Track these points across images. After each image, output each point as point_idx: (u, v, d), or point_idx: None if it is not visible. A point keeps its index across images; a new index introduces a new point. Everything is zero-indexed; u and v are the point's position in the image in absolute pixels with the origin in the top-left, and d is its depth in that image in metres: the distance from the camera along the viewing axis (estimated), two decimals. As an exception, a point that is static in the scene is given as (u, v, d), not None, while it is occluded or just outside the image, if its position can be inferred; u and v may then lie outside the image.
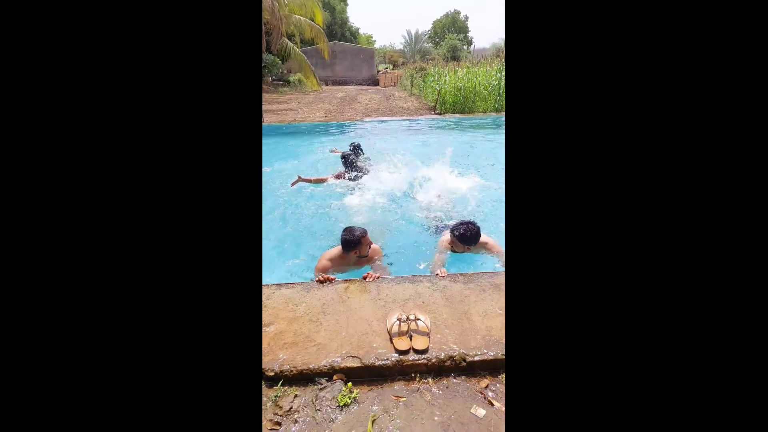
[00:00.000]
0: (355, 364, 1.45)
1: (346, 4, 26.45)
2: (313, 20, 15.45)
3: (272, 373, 1.42)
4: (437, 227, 3.19)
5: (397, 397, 1.36)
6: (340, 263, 2.35)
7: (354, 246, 2.29)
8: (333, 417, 1.29)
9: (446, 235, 2.62)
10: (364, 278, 2.02)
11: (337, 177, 4.19)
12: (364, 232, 2.33)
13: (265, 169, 4.68)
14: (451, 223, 2.76)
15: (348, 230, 2.32)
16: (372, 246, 2.42)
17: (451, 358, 1.47)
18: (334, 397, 1.35)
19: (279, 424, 1.26)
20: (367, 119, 8.85)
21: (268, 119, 8.43)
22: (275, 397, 1.35)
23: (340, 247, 2.34)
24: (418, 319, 1.60)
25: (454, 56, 26.70)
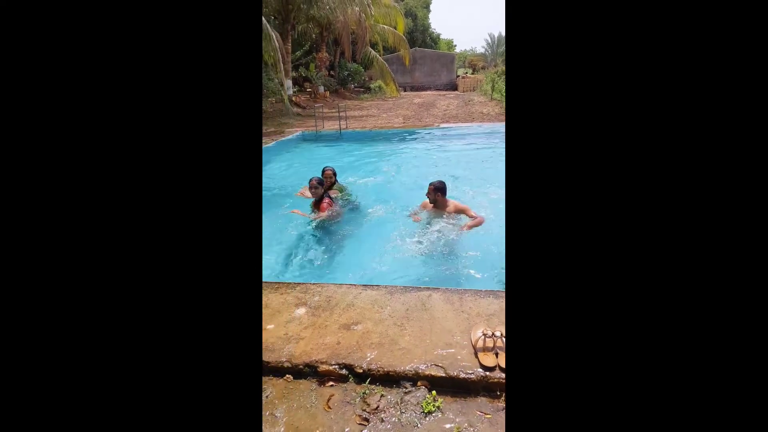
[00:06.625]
0: (440, 373, 1.46)
1: (429, 11, 26.63)
2: (396, 28, 15.87)
3: (360, 370, 1.51)
4: None
5: (483, 412, 1.35)
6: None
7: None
8: (417, 422, 1.32)
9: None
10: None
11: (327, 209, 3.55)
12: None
13: (354, 178, 4.89)
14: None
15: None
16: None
17: (541, 381, 1.41)
18: (418, 403, 1.39)
19: (367, 420, 1.33)
20: (443, 125, 8.80)
21: (351, 125, 8.87)
22: (363, 393, 1.44)
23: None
24: (504, 336, 1.56)
25: (540, 58, 25.09)
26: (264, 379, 1.54)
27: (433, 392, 1.42)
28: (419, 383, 1.46)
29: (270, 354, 1.59)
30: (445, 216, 3.30)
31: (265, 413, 1.38)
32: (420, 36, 25.03)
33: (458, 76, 22.94)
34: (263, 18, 8.46)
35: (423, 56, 22.44)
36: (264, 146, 6.93)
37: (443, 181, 3.37)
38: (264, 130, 8.63)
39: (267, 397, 1.45)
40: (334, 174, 3.84)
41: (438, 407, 1.37)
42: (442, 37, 30.61)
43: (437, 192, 3.28)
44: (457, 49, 35.90)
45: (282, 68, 9.52)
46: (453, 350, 1.56)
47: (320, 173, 3.76)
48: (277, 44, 8.85)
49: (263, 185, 4.90)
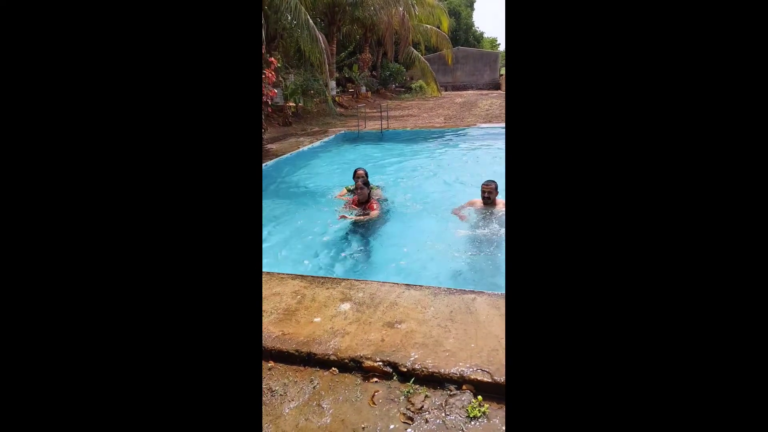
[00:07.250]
0: (486, 378, 1.44)
1: (473, 9, 26.11)
2: (439, 27, 15.71)
3: (404, 369, 1.51)
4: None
5: (531, 423, 1.30)
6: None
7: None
8: (462, 426, 1.30)
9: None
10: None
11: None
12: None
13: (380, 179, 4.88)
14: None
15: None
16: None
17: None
18: (463, 407, 1.37)
19: (411, 419, 1.34)
20: (485, 125, 8.58)
21: (392, 125, 8.90)
22: (407, 392, 1.44)
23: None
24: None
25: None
26: (310, 370, 1.59)
27: (479, 397, 1.39)
28: (464, 387, 1.44)
29: (317, 346, 1.64)
30: (494, 214, 3.22)
31: (312, 404, 1.43)
32: (463, 35, 24.58)
33: (502, 75, 22.30)
34: (310, 21, 8.71)
35: (465, 55, 22.04)
36: (310, 145, 7.15)
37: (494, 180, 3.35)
38: (308, 130, 8.89)
39: (314, 387, 1.50)
40: (366, 174, 3.90)
41: (484, 413, 1.34)
42: (485, 35, 29.90)
43: (497, 190, 3.28)
44: (501, 48, 34.91)
45: (327, 69, 9.75)
46: (500, 355, 1.52)
47: (352, 174, 3.85)
48: (323, 46, 9.08)
49: (307, 184, 5.12)
